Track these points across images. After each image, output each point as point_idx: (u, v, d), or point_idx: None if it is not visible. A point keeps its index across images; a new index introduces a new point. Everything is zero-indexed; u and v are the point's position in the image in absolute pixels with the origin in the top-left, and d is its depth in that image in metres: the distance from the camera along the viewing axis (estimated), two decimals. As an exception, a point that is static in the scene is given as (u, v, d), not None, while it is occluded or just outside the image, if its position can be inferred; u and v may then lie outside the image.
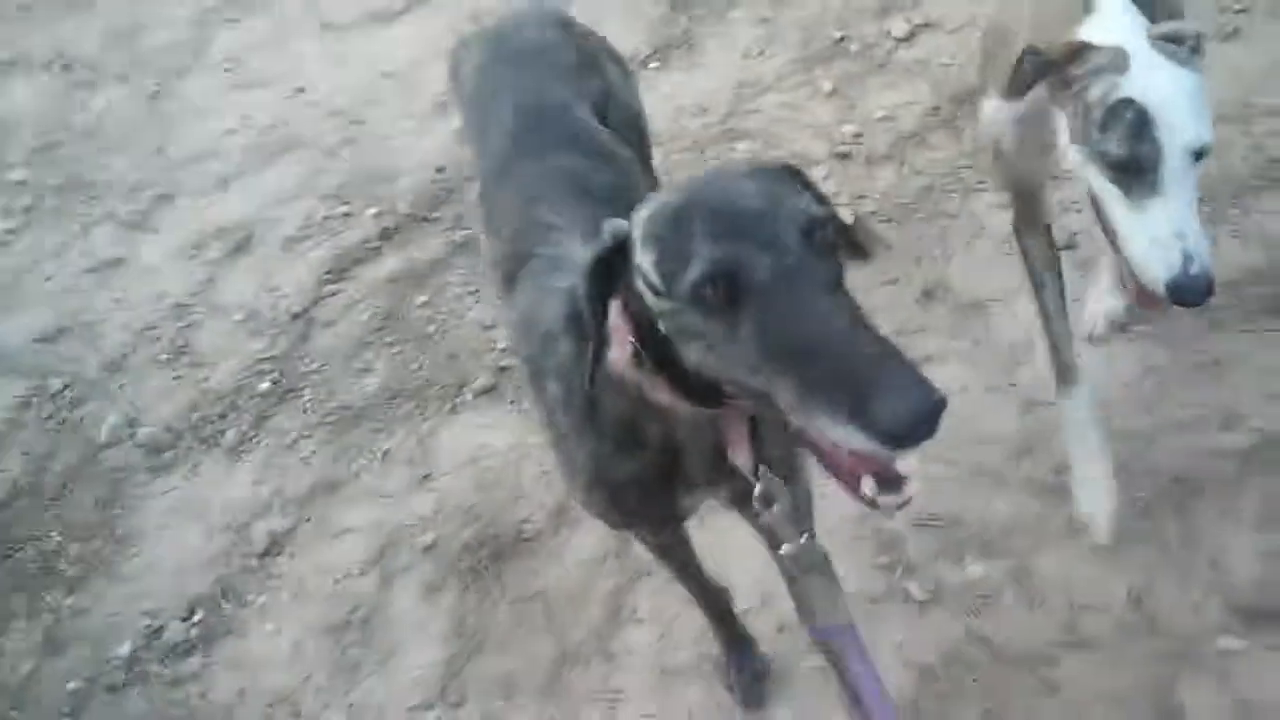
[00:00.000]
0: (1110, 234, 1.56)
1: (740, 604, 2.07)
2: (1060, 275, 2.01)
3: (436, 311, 3.04)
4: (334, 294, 3.21)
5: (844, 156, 3.10)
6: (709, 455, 1.30)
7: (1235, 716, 1.78)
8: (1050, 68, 1.56)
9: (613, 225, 1.12)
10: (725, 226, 1.02)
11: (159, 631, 2.49)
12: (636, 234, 1.10)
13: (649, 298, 1.07)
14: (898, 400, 0.88)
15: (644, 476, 1.38)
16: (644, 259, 1.07)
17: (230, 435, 2.88)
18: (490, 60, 2.01)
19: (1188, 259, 1.41)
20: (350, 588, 2.47)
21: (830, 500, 1.49)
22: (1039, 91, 1.61)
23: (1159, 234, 1.43)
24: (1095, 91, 1.50)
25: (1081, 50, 1.53)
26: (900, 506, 1.02)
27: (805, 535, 1.24)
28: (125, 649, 2.48)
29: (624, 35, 3.89)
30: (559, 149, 1.76)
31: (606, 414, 1.32)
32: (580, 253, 1.29)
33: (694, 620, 2.09)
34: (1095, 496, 2.00)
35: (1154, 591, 1.97)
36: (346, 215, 3.47)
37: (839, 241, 1.08)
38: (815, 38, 3.58)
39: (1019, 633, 1.98)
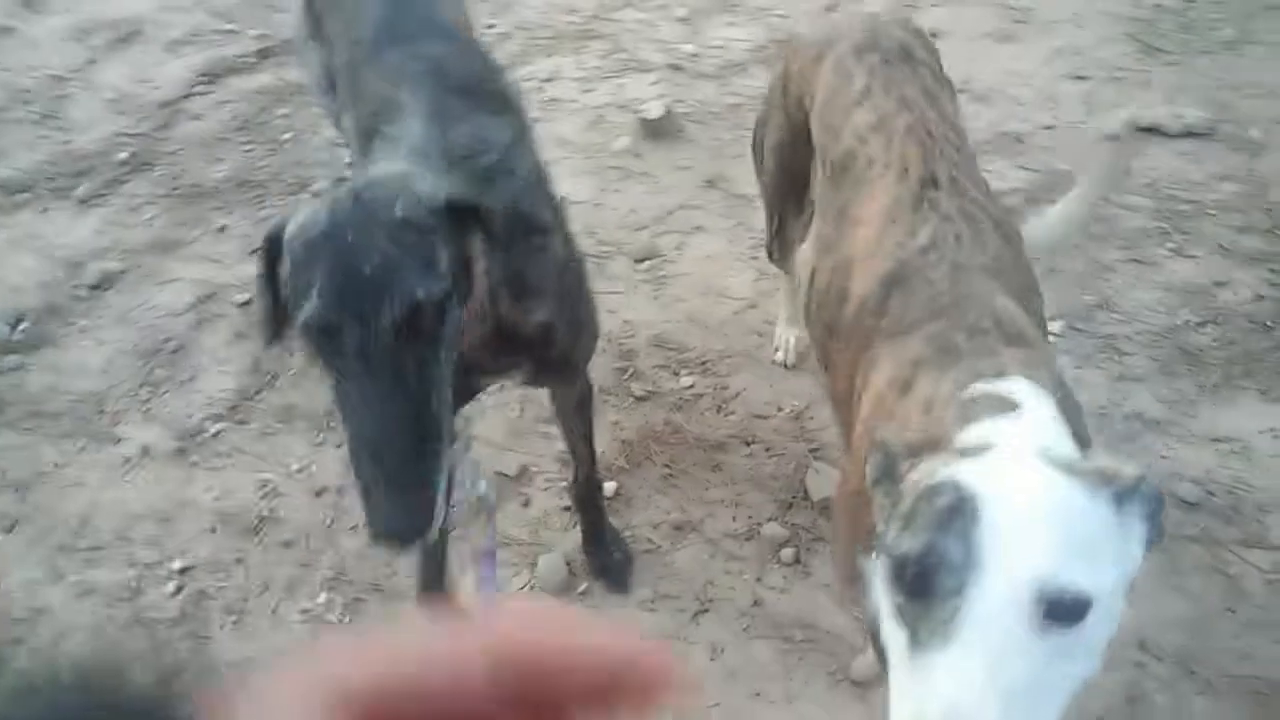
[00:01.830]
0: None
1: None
2: None
3: (294, 124, 3.39)
4: (203, 94, 3.53)
5: (676, 68, 3.58)
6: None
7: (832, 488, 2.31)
8: (894, 466, 1.06)
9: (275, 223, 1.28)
10: (336, 285, 1.14)
11: (-15, 331, 2.80)
12: (289, 232, 1.23)
13: None
14: (375, 515, 1.16)
15: None
16: (285, 266, 1.22)
17: (82, 189, 3.19)
18: None
19: None
20: (167, 324, 2.82)
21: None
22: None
23: (923, 709, 0.87)
24: (915, 474, 1.01)
25: (937, 443, 1.06)
26: None
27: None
28: (-48, 341, 2.78)
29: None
30: (426, 38, 1.82)
31: None
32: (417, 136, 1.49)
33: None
34: (788, 339, 2.56)
35: (811, 409, 2.50)
36: (231, 32, 3.78)
37: (436, 315, 1.19)
38: (680, -27, 4.05)
39: (705, 427, 2.48)
